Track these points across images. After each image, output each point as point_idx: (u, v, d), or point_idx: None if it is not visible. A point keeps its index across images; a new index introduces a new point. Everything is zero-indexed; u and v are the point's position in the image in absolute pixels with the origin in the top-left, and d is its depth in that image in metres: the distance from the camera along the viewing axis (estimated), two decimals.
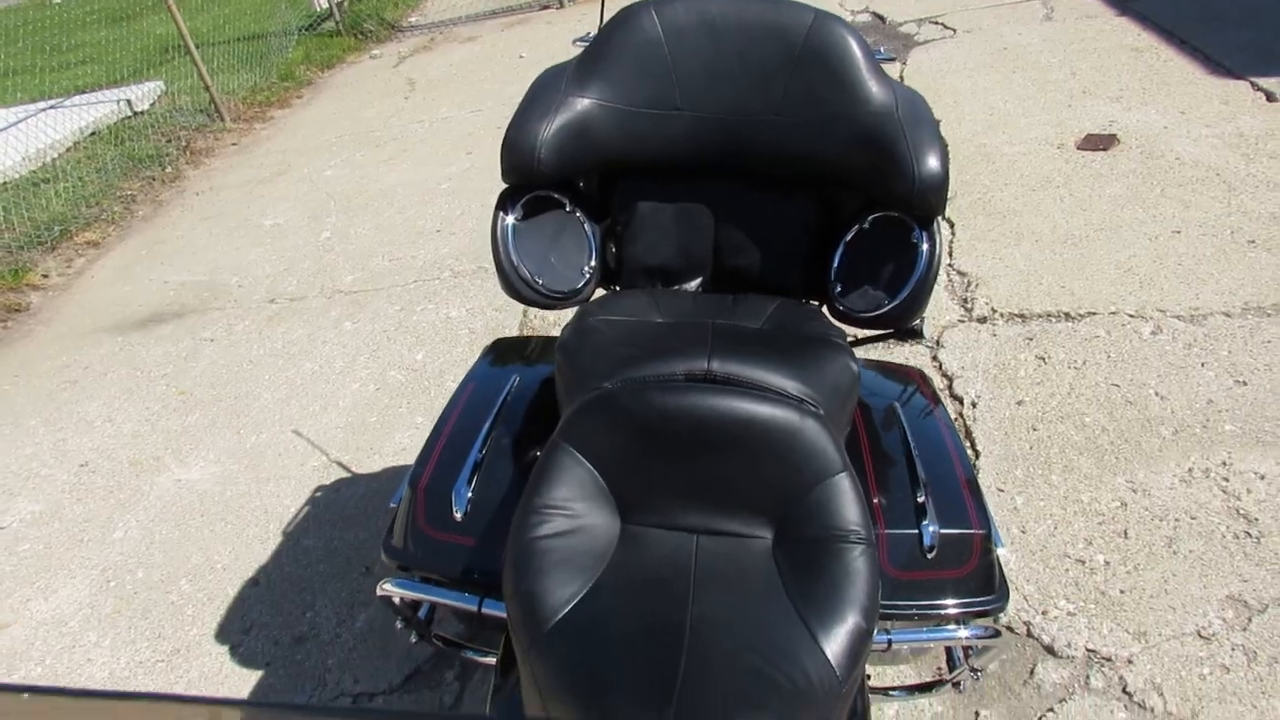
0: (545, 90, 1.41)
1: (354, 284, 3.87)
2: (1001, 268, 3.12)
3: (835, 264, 1.47)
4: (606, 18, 1.46)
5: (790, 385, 1.16)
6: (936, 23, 5.86)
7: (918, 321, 1.42)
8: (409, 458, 2.65)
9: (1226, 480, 2.12)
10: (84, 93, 6.94)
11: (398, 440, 2.79)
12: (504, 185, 1.45)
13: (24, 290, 4.35)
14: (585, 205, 1.53)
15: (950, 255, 3.26)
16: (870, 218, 1.42)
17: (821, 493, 1.07)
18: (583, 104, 1.39)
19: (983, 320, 2.86)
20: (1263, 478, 2.11)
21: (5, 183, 5.18)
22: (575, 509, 1.10)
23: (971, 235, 3.35)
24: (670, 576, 1.06)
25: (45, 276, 4.51)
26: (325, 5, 9.00)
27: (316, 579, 2.32)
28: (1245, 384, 2.40)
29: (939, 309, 2.95)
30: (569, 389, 1.23)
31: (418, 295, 3.67)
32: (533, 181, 1.42)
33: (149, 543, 2.56)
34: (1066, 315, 2.80)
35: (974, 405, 2.50)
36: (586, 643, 0.98)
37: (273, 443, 2.91)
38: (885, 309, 1.38)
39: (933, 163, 1.29)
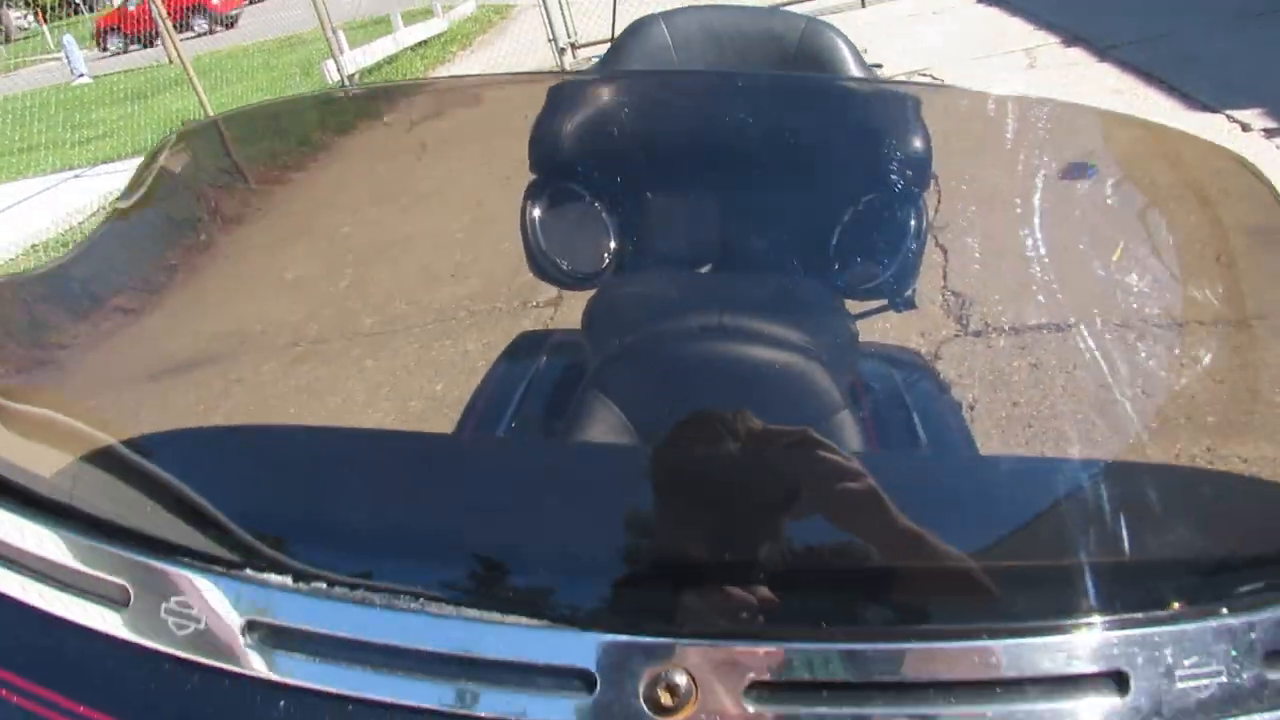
0: (567, 93, 1.57)
1: (373, 326, 4.02)
2: (994, 287, 3.25)
3: (832, 242, 1.61)
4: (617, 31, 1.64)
5: (794, 336, 1.29)
6: (925, 74, 6.12)
7: (909, 292, 1.55)
8: None
9: (1211, 464, 2.23)
10: (107, 163, 7.22)
11: None
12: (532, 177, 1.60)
13: None
14: (603, 196, 1.68)
15: (944, 278, 3.41)
16: (863, 199, 1.57)
17: (826, 428, 1.20)
18: (600, 103, 1.55)
19: (978, 335, 2.99)
20: (1244, 460, 2.21)
21: (35, 244, 5.40)
22: None
23: (964, 259, 3.50)
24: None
25: None
26: (337, 78, 9.37)
27: None
28: (1222, 383, 2.51)
29: (935, 325, 3.08)
30: (595, 348, 1.37)
31: (436, 333, 3.81)
32: (557, 173, 1.58)
33: None
34: (1057, 327, 2.93)
35: (971, 409, 2.61)
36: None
37: None
38: (879, 280, 1.52)
39: (917, 144, 1.44)
